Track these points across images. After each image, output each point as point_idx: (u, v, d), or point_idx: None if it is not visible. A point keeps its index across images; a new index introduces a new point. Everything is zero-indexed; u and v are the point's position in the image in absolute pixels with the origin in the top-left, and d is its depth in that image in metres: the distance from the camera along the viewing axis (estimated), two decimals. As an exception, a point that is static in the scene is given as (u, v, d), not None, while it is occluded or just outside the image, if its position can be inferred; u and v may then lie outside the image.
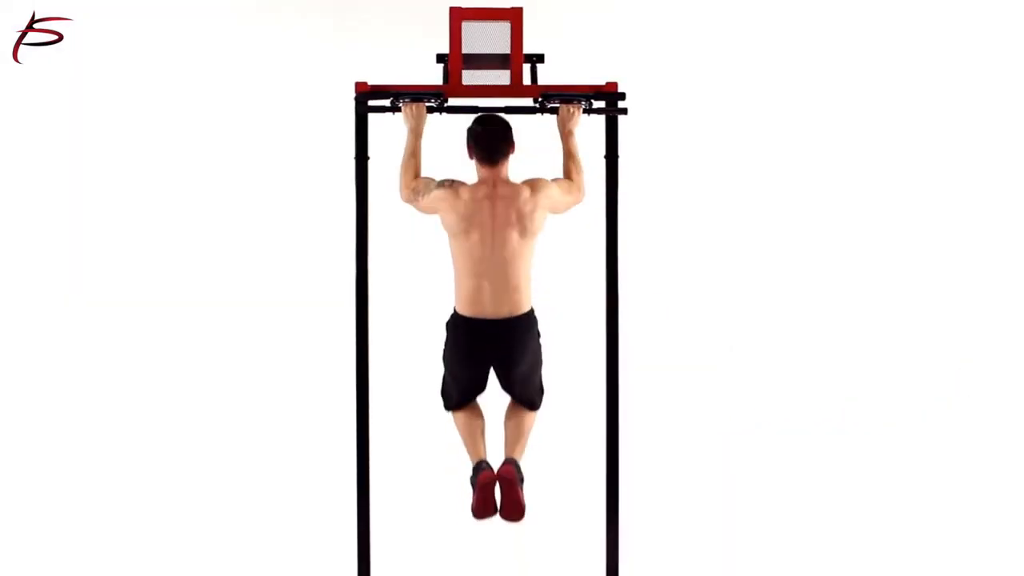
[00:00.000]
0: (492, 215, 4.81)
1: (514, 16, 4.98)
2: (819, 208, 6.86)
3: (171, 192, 6.75)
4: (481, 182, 4.88)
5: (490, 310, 4.81)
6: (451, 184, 4.86)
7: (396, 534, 5.57)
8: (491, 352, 4.86)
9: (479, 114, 4.92)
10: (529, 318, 4.90)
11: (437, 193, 4.84)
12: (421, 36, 5.58)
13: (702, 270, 6.84)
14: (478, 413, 4.98)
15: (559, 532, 5.49)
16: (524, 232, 4.83)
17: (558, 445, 5.26)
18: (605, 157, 5.02)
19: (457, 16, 4.98)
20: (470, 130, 4.89)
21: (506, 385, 4.97)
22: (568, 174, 5.00)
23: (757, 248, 6.85)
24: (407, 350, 6.25)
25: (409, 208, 5.00)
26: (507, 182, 4.87)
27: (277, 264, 6.72)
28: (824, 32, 6.86)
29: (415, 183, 4.91)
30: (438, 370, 5.04)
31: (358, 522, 5.01)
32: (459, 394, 4.97)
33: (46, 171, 6.72)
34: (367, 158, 4.99)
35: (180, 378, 6.71)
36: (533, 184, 4.88)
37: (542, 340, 4.96)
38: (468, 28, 4.97)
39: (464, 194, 4.83)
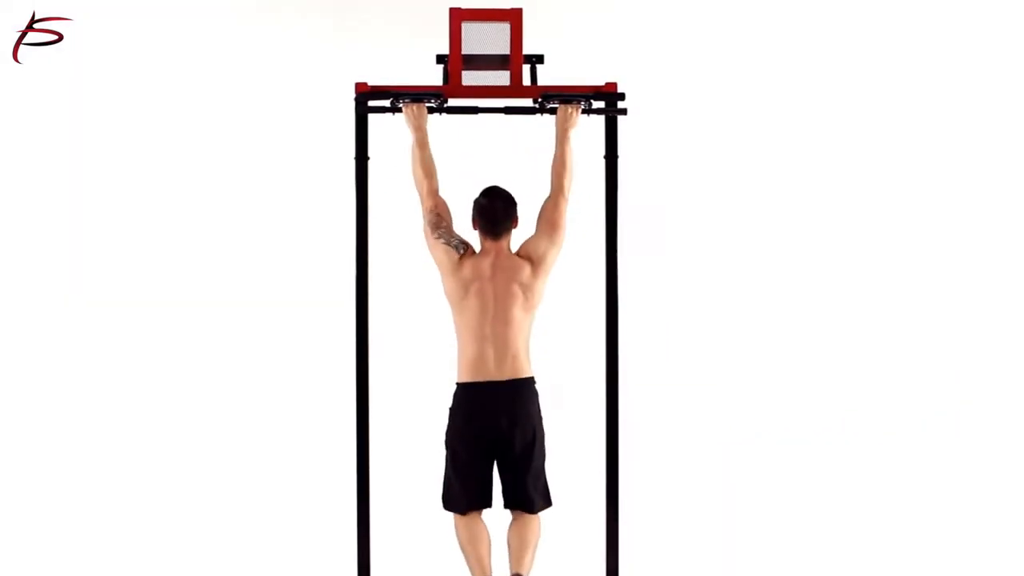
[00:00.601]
0: (493, 286, 4.86)
1: (514, 17, 4.98)
2: (821, 210, 6.85)
3: (171, 192, 6.74)
4: (484, 253, 4.92)
5: (494, 372, 4.83)
6: (464, 251, 4.90)
7: (396, 534, 5.57)
8: (495, 420, 4.81)
9: (485, 188, 4.94)
10: (532, 384, 4.91)
11: (446, 250, 4.89)
12: (421, 36, 5.58)
13: (702, 270, 6.83)
14: (482, 525, 4.88)
15: (559, 536, 5.49)
16: (525, 306, 4.88)
17: (558, 447, 5.24)
18: (605, 157, 5.02)
19: (457, 17, 4.99)
20: (476, 202, 4.93)
21: (511, 472, 4.86)
22: (555, 178, 4.98)
23: (757, 250, 6.84)
24: (407, 350, 6.25)
25: (409, 208, 5.00)
26: (509, 255, 4.92)
27: (277, 264, 6.72)
28: (825, 31, 6.85)
29: (441, 201, 4.93)
30: (439, 372, 5.04)
31: (358, 522, 5.02)
32: (463, 490, 4.86)
33: (46, 171, 6.71)
34: (367, 158, 4.99)
35: (180, 378, 6.70)
36: (531, 253, 4.91)
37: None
38: (468, 29, 4.98)
39: (467, 265, 4.88)
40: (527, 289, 4.88)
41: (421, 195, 4.95)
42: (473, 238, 4.99)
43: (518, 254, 4.94)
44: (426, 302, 5.30)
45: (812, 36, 6.85)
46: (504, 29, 4.96)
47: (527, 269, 4.90)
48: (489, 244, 4.92)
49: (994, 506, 6.44)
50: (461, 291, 4.88)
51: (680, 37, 6.81)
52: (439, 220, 4.92)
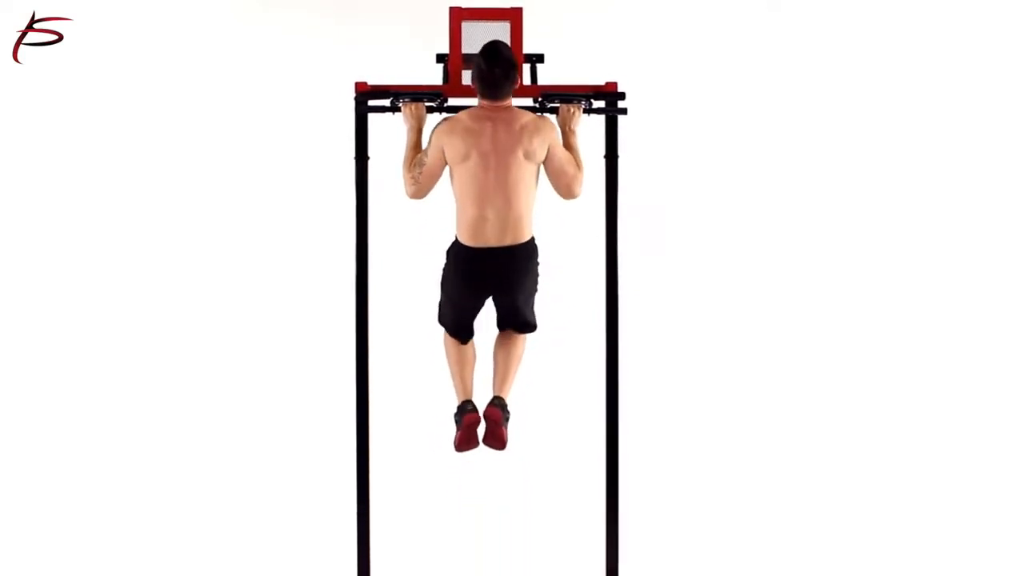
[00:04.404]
0: (493, 139, 4.77)
1: (514, 16, 4.98)
2: (821, 210, 6.86)
3: (171, 191, 6.74)
4: (481, 107, 4.84)
5: (493, 239, 4.78)
6: (445, 121, 4.83)
7: (396, 534, 5.57)
8: (492, 280, 4.85)
9: (486, 43, 4.81)
10: (530, 246, 4.87)
11: (433, 143, 4.81)
12: (421, 36, 5.58)
13: (702, 270, 6.83)
14: (471, 348, 4.96)
15: (559, 532, 5.49)
16: (527, 155, 4.78)
17: (558, 447, 5.26)
18: (605, 157, 5.02)
19: (457, 16, 4.98)
20: (475, 63, 4.82)
21: (503, 310, 4.94)
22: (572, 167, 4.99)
23: (757, 249, 6.84)
24: (407, 350, 6.25)
25: (409, 208, 4.99)
26: (511, 115, 4.82)
27: (277, 264, 6.72)
28: (824, 31, 6.85)
29: (414, 171, 4.89)
30: (438, 371, 5.04)
31: (358, 523, 5.01)
32: (456, 319, 4.95)
33: (46, 171, 6.71)
34: (367, 158, 4.99)
35: (180, 378, 6.70)
36: (537, 121, 4.83)
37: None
38: (468, 28, 4.98)
39: (463, 119, 4.80)
40: (527, 140, 4.78)
41: (405, 183, 4.92)
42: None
43: (527, 126, 4.80)
44: (426, 302, 5.29)
45: (811, 36, 6.85)
46: (504, 29, 4.96)
47: (526, 116, 4.81)
48: (488, 104, 4.84)
49: (994, 506, 6.44)
50: (462, 148, 4.78)
51: (680, 37, 6.81)
52: (417, 176, 4.87)
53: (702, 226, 6.84)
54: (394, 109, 4.98)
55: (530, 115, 4.86)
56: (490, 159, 4.75)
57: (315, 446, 6.42)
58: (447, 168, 4.86)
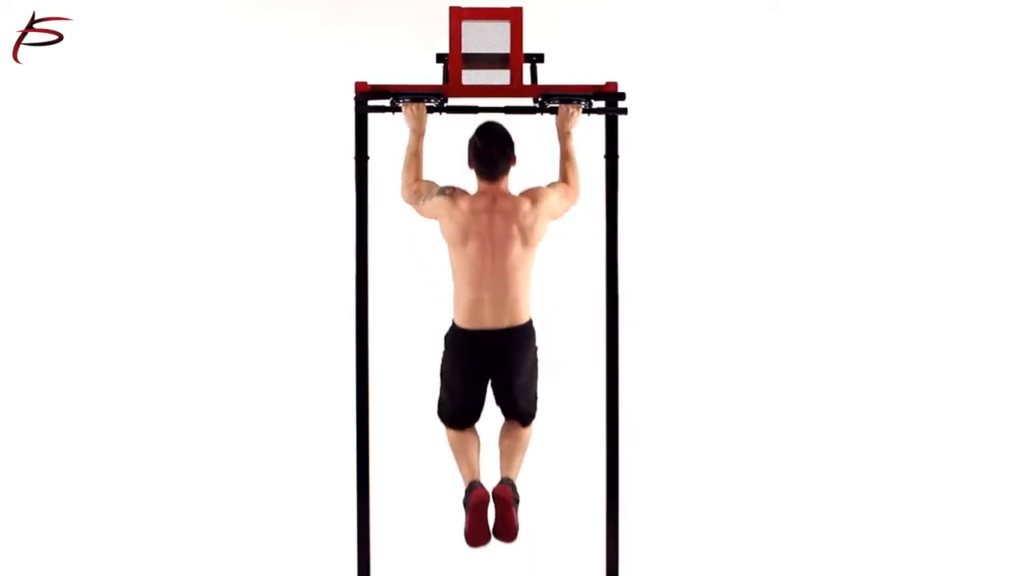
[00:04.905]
0: (491, 228, 4.79)
1: (514, 16, 4.97)
2: (821, 208, 6.86)
3: (171, 191, 6.74)
4: (481, 193, 4.86)
5: (489, 321, 4.77)
6: (452, 192, 4.84)
7: (396, 534, 5.57)
8: (490, 364, 4.82)
9: (481, 123, 4.88)
10: (528, 329, 4.87)
11: (438, 200, 4.83)
12: (421, 36, 5.58)
13: (702, 270, 6.83)
14: (473, 432, 4.91)
15: (560, 536, 5.50)
16: (525, 243, 4.81)
17: (558, 446, 5.26)
18: (605, 157, 5.01)
19: (457, 16, 4.98)
20: (471, 142, 4.86)
21: (502, 398, 4.91)
22: (564, 176, 5.00)
23: (757, 249, 6.84)
24: (407, 350, 6.25)
25: (409, 208, 4.99)
26: (507, 195, 4.85)
27: (277, 264, 6.72)
28: (824, 31, 6.86)
29: (417, 185, 4.89)
30: (438, 372, 5.03)
31: (358, 522, 5.01)
32: (456, 412, 4.90)
33: (46, 171, 6.71)
34: (367, 158, 4.98)
35: (180, 378, 6.71)
36: (533, 195, 4.86)
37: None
38: (468, 28, 4.97)
39: (463, 204, 4.81)
40: (526, 230, 4.80)
41: (401, 187, 4.92)
42: (466, 182, 4.91)
43: (520, 194, 4.85)
44: (426, 302, 5.29)
45: (811, 36, 6.85)
46: (504, 28, 4.95)
47: (526, 205, 4.81)
48: (486, 185, 4.86)
49: (994, 506, 6.43)
50: (460, 234, 4.79)
51: (680, 37, 6.81)
52: (418, 191, 4.88)
53: (702, 226, 6.84)
54: (394, 109, 4.98)
55: (527, 202, 4.83)
56: (487, 246, 4.78)
57: (315, 446, 6.42)
58: (443, 226, 4.87)
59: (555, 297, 5.21)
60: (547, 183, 4.95)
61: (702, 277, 6.82)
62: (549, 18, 5.57)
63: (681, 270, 6.79)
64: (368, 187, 4.99)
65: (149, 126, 6.72)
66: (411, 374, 6.09)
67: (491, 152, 4.81)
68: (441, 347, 4.97)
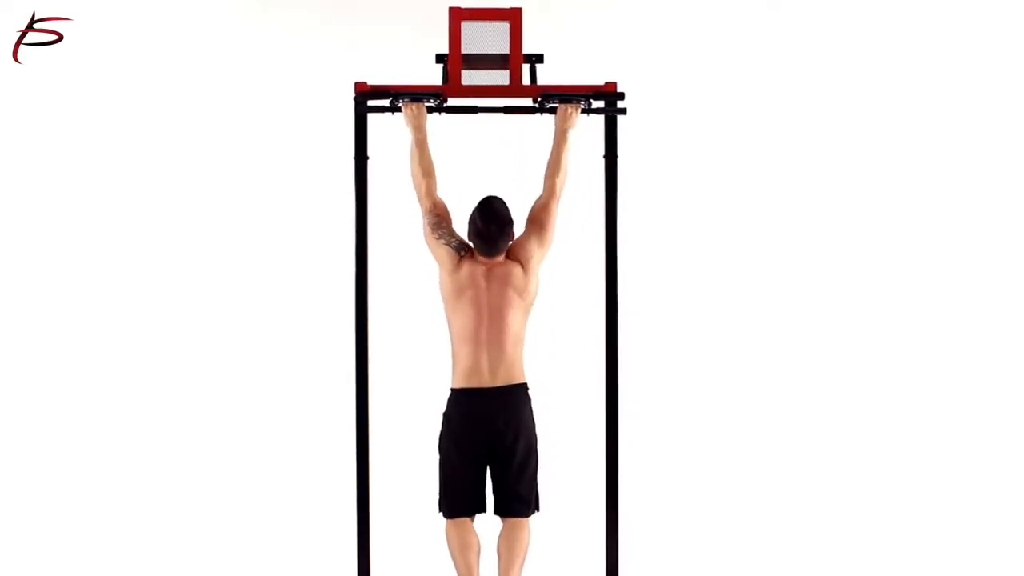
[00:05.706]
0: (488, 293, 4.86)
1: (513, 16, 4.98)
2: (821, 208, 6.85)
3: (171, 192, 6.74)
4: (479, 262, 4.91)
5: (487, 379, 4.83)
6: (459, 250, 4.89)
7: (396, 534, 5.57)
8: (488, 425, 4.82)
9: (482, 199, 4.89)
10: (525, 390, 4.91)
11: (451, 252, 4.89)
12: (421, 36, 5.58)
13: (702, 270, 6.83)
14: (474, 532, 4.89)
15: (560, 536, 5.49)
16: (520, 308, 4.89)
17: (558, 447, 5.25)
18: (604, 157, 5.02)
19: (456, 16, 4.98)
20: (472, 220, 4.88)
21: (500, 482, 4.87)
22: (548, 179, 4.98)
23: (757, 249, 6.84)
24: (407, 350, 6.25)
25: (408, 208, 4.99)
26: (503, 261, 4.90)
27: (276, 264, 6.72)
28: (824, 31, 6.85)
29: (440, 201, 4.92)
30: (438, 372, 5.03)
31: (358, 522, 5.01)
32: (456, 493, 4.88)
33: (46, 171, 6.71)
34: (367, 158, 4.99)
35: (178, 379, 6.71)
36: (520, 255, 4.90)
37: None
38: (467, 28, 4.98)
39: (464, 268, 4.87)
40: (521, 291, 4.89)
41: (419, 195, 4.94)
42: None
43: (508, 256, 4.92)
44: (426, 303, 5.29)
45: (811, 36, 6.85)
46: (504, 28, 4.96)
47: (518, 271, 4.90)
48: (485, 260, 4.92)
49: (994, 506, 6.44)
50: (456, 293, 4.88)
51: (680, 37, 6.81)
52: (439, 221, 4.92)
53: (702, 226, 6.84)
54: (394, 109, 4.98)
55: (519, 268, 4.89)
56: (484, 312, 4.85)
57: (315, 446, 6.42)
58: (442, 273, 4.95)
59: (555, 297, 5.21)
60: (527, 216, 4.95)
61: (702, 277, 6.82)
62: (548, 18, 5.57)
63: (681, 270, 6.79)
64: (368, 187, 4.99)
65: (149, 126, 6.72)
66: (411, 374, 6.10)
67: (491, 232, 4.85)
68: (441, 348, 4.98)
